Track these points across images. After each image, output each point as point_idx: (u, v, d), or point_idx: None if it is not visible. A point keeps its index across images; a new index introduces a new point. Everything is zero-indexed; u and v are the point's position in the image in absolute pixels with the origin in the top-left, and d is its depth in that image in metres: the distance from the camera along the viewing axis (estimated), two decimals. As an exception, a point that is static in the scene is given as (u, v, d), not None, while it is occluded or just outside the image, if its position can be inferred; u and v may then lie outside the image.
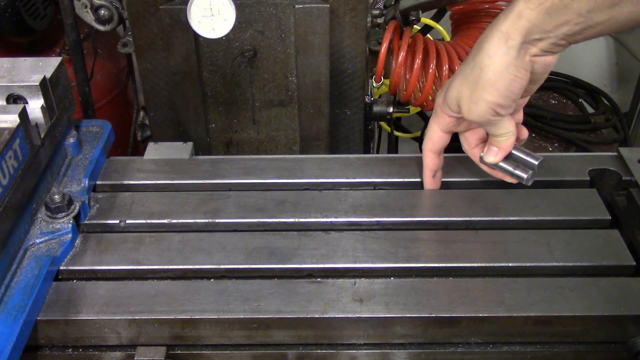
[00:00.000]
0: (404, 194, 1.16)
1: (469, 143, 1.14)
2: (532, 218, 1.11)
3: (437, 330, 0.97)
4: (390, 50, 1.63)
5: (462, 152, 1.17)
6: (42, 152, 1.09)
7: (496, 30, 0.96)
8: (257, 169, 1.21)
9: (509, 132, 1.05)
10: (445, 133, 1.13)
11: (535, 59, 0.97)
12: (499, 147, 1.07)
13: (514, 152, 1.08)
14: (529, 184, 1.09)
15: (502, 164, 1.09)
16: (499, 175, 1.12)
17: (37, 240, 1.04)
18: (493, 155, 1.08)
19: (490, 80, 0.98)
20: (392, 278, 1.02)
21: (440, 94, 1.09)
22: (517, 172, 1.08)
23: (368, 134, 1.74)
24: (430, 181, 1.17)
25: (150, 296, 0.98)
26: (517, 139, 1.09)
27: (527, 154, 1.08)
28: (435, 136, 1.13)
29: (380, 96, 1.86)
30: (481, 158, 1.10)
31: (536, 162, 1.08)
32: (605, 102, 2.36)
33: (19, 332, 0.88)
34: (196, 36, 1.45)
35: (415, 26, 1.75)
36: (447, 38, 1.95)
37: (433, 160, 1.15)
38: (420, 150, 2.58)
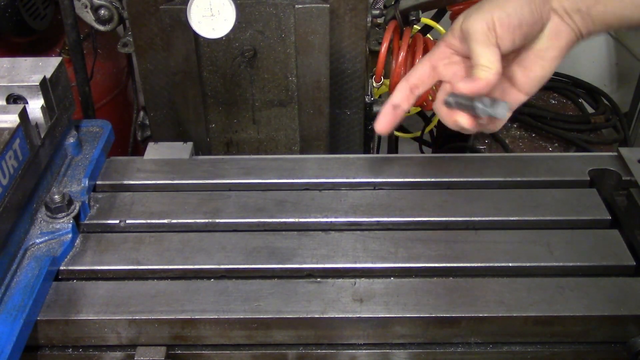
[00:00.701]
0: (404, 194, 1.16)
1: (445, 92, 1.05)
2: (532, 218, 1.11)
3: (437, 330, 0.97)
4: (390, 50, 1.63)
5: (462, 152, 1.17)
6: (42, 152, 1.09)
7: None
8: (257, 169, 1.21)
9: (492, 66, 0.96)
10: (431, 68, 1.05)
11: (553, 16, 0.95)
12: (475, 78, 0.97)
13: (484, 100, 0.97)
14: (482, 114, 0.97)
15: (462, 100, 0.99)
16: (455, 117, 1.01)
17: (37, 240, 1.04)
18: (465, 84, 0.97)
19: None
20: (392, 278, 1.02)
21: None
22: (478, 104, 0.96)
23: (368, 134, 1.74)
24: (387, 112, 1.07)
25: (150, 296, 0.98)
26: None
27: (495, 101, 0.97)
28: (420, 66, 1.06)
29: (380, 96, 1.86)
30: (446, 100, 1.02)
31: (502, 105, 0.96)
32: (605, 102, 2.36)
33: (19, 332, 0.88)
34: (196, 36, 1.44)
35: (415, 26, 1.75)
36: (447, 38, 1.95)
37: (402, 91, 1.06)
38: (421, 151, 2.58)
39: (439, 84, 1.60)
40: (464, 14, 1.00)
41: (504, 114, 0.97)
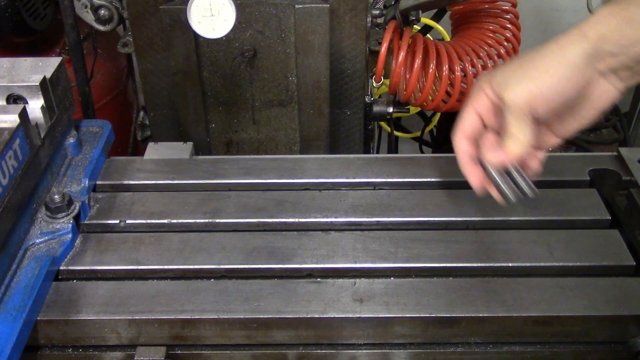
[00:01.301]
0: (404, 194, 1.16)
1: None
2: (532, 218, 1.11)
3: (437, 330, 0.97)
4: (390, 50, 1.63)
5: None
6: (42, 152, 1.09)
7: (577, 28, 0.91)
8: (257, 169, 1.21)
9: (524, 140, 0.93)
10: (479, 116, 1.00)
11: (598, 78, 0.92)
12: (505, 150, 0.96)
13: (514, 172, 0.99)
14: (509, 202, 1.00)
15: (493, 173, 0.99)
16: (487, 185, 1.02)
17: (37, 240, 1.04)
18: (493, 153, 0.97)
19: (546, 65, 0.91)
20: (392, 278, 1.02)
21: (487, 75, 1.00)
22: (504, 187, 0.98)
23: (368, 134, 1.74)
24: (472, 168, 1.02)
25: (150, 296, 0.98)
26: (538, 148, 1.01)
27: (526, 181, 0.98)
28: (468, 117, 1.00)
29: (380, 96, 1.86)
30: (480, 159, 1.01)
31: (528, 193, 0.98)
32: (605, 102, 2.35)
33: (19, 332, 0.88)
34: (196, 36, 1.44)
35: (415, 26, 1.75)
36: (447, 38, 1.95)
37: (467, 144, 1.01)
38: (421, 151, 2.57)
39: (440, 84, 1.59)
40: (500, 76, 0.96)
41: (530, 193, 0.98)
